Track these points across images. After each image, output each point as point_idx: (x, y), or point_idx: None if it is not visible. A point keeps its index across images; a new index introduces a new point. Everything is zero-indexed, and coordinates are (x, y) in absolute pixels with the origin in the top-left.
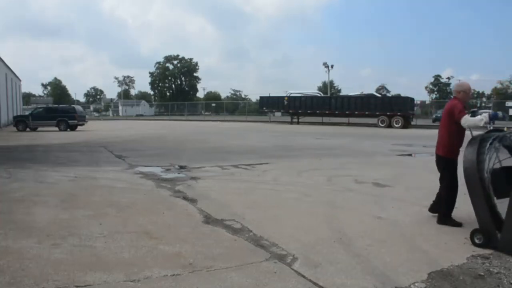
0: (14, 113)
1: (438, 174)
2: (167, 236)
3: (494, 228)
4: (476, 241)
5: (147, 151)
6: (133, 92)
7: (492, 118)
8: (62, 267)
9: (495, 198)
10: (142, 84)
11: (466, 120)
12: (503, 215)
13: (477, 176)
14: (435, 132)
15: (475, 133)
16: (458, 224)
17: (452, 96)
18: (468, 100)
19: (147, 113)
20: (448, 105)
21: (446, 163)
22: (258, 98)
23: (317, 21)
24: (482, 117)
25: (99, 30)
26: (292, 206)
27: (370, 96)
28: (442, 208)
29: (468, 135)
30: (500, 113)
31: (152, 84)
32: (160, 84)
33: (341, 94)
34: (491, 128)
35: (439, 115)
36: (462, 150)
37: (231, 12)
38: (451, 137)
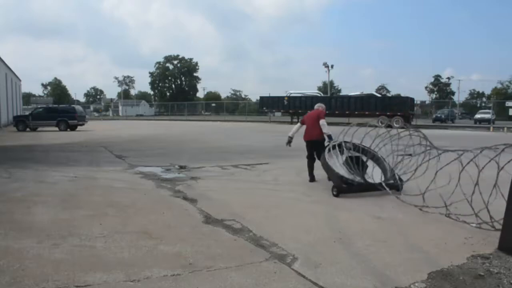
0: (14, 113)
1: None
2: (167, 236)
3: (341, 185)
4: (334, 193)
5: (147, 151)
6: (133, 92)
7: (329, 138)
8: (62, 267)
9: (339, 172)
10: (142, 84)
11: (325, 124)
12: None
13: (328, 164)
14: (435, 132)
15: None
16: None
17: (452, 96)
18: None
19: (147, 113)
20: (317, 111)
21: (322, 145)
22: (258, 98)
23: (317, 21)
24: (329, 133)
25: (99, 30)
26: (292, 206)
27: (370, 96)
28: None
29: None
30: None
31: (152, 84)
32: (160, 84)
33: (341, 94)
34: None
35: (439, 115)
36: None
37: (231, 12)
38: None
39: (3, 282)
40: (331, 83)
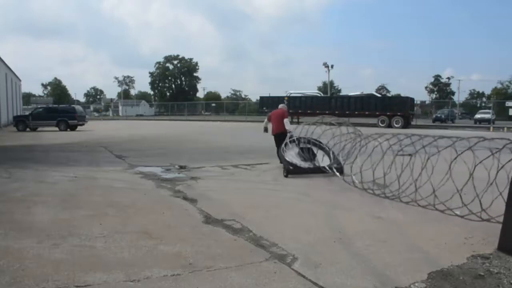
0: (14, 113)
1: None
2: (167, 236)
3: (289, 168)
4: (284, 174)
5: (147, 151)
6: (133, 92)
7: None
8: (62, 267)
9: (292, 160)
10: (142, 84)
11: (287, 122)
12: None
13: (281, 153)
14: (435, 132)
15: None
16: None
17: (452, 96)
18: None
19: (147, 113)
20: (281, 111)
21: (285, 137)
22: (258, 98)
23: (317, 21)
24: (291, 129)
25: (99, 30)
26: (292, 206)
27: (370, 96)
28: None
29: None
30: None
31: (152, 84)
32: (160, 84)
33: (341, 94)
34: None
35: (439, 115)
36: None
37: (231, 12)
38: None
39: (3, 282)
40: (331, 83)
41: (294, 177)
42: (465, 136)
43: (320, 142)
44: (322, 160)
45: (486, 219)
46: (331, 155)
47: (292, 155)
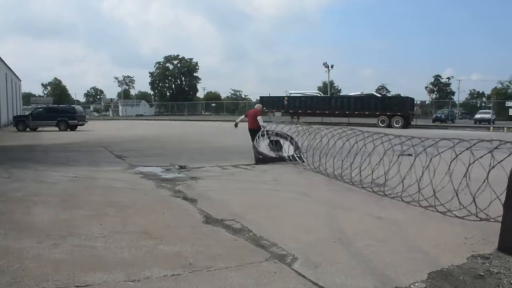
0: (14, 113)
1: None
2: (167, 236)
3: (258, 157)
4: (254, 162)
5: (147, 151)
6: (133, 92)
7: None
8: (62, 267)
9: (263, 151)
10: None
11: (260, 119)
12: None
13: (254, 145)
14: (436, 132)
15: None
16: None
17: (452, 96)
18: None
19: (147, 113)
20: (256, 110)
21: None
22: (258, 98)
23: (317, 21)
24: (264, 125)
25: (99, 30)
26: (292, 206)
27: (370, 96)
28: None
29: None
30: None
31: (152, 84)
32: (160, 84)
33: (341, 94)
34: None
35: (439, 115)
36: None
37: (231, 12)
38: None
39: (3, 282)
40: (331, 83)
41: (294, 177)
42: (465, 137)
43: (287, 135)
44: (288, 151)
45: (485, 219)
46: (295, 146)
47: (263, 146)
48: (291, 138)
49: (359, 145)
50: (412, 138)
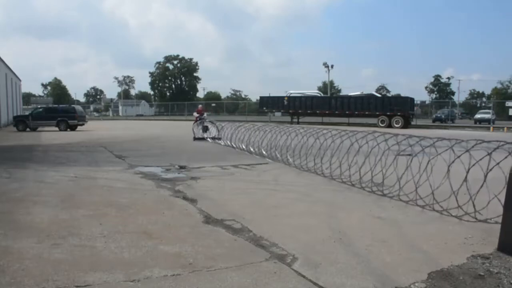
0: (14, 113)
1: None
2: (167, 236)
3: (194, 136)
4: (193, 139)
5: (147, 151)
6: (133, 92)
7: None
8: (62, 267)
9: (197, 133)
10: (142, 84)
11: (195, 114)
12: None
13: (193, 130)
14: (436, 132)
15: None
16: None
17: (452, 96)
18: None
19: (147, 113)
20: (199, 108)
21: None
22: (258, 98)
23: (318, 21)
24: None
25: (99, 30)
26: (292, 206)
27: (370, 96)
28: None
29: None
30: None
31: (152, 84)
32: (160, 84)
33: (341, 94)
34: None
35: (439, 115)
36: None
37: (232, 12)
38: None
39: (3, 282)
40: (331, 83)
41: (294, 177)
42: (465, 137)
43: (213, 122)
44: (211, 133)
45: (483, 220)
46: (217, 130)
47: (199, 130)
48: (217, 126)
49: (354, 145)
50: (410, 137)
